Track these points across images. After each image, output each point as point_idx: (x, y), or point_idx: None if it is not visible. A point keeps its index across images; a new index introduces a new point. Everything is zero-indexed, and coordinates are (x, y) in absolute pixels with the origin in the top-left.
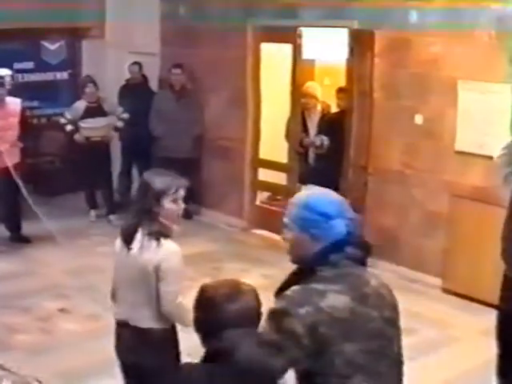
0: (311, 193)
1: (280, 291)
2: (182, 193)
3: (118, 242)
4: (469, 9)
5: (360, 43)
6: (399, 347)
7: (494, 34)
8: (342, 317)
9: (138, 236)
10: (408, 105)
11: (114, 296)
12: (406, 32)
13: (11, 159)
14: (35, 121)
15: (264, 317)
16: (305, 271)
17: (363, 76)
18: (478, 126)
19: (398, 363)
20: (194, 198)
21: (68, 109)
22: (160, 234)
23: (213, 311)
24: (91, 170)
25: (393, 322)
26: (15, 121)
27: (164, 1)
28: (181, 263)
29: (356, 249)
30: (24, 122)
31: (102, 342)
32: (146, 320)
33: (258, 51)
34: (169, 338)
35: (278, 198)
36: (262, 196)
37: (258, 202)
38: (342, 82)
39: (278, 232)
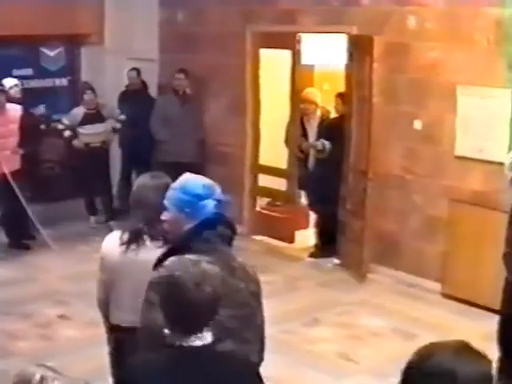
0: (187, 178)
1: (157, 265)
2: None
3: (113, 246)
4: (467, 14)
5: (359, 48)
6: (262, 322)
7: (492, 39)
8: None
9: (146, 239)
10: (407, 110)
11: (104, 302)
12: (404, 37)
13: (11, 166)
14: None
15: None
16: (180, 248)
17: (362, 81)
18: (477, 130)
19: (261, 336)
20: None
21: (66, 115)
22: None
23: (182, 296)
24: (90, 176)
25: (257, 296)
26: (15, 127)
27: (163, 7)
28: None
29: (226, 229)
30: (26, 128)
31: (102, 348)
32: None
33: (257, 57)
34: None
35: (278, 203)
36: (262, 202)
37: (257, 208)
38: (342, 88)
39: (278, 238)
